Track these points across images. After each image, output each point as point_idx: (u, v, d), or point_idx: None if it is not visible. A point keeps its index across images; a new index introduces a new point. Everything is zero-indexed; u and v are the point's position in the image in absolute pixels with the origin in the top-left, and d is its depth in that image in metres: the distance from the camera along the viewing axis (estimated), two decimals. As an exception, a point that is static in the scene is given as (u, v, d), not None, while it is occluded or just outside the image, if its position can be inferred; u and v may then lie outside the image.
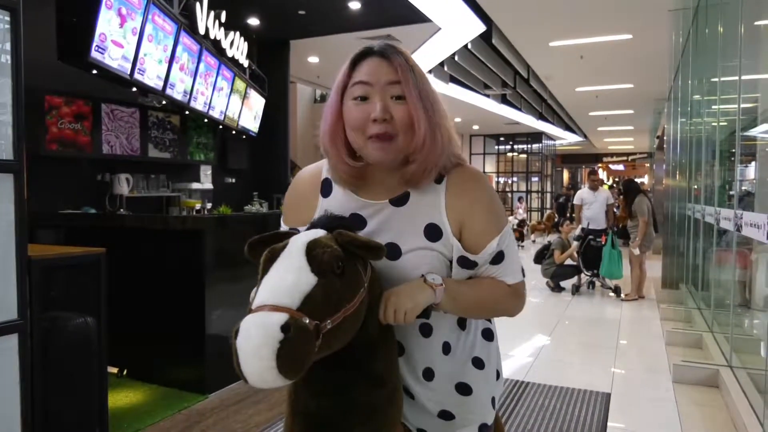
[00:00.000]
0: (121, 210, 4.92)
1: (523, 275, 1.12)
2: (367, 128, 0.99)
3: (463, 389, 1.11)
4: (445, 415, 1.11)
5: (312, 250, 0.86)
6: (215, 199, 6.48)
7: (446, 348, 1.11)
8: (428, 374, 1.09)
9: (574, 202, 7.48)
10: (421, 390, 1.09)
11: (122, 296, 3.40)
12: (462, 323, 1.13)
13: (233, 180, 7.16)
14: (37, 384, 2.34)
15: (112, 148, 5.03)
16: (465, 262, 1.06)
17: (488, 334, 1.19)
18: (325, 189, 1.11)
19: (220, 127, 6.17)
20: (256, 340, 0.75)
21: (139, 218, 4.28)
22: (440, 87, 10.13)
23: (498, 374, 1.20)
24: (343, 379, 0.94)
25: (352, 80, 1.01)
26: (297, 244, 0.88)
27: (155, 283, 3.49)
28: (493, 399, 1.17)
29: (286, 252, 0.87)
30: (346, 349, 0.91)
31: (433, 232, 1.04)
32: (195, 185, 6.22)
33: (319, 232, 0.92)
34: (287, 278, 0.83)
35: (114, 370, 3.63)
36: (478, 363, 1.13)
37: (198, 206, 5.93)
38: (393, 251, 1.03)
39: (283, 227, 1.16)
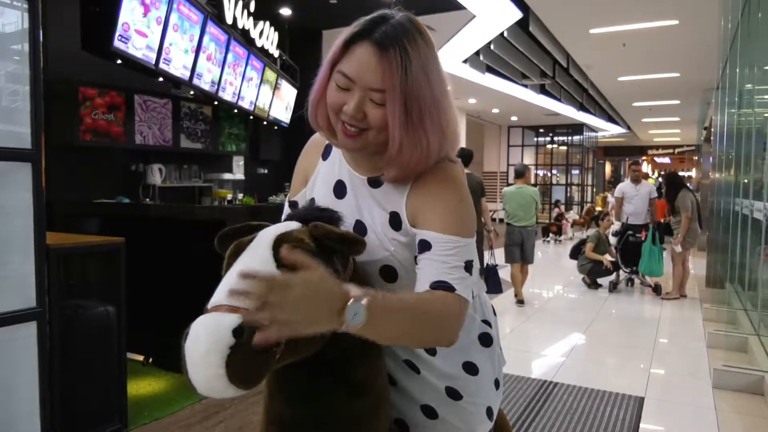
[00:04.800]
0: (147, 200, 4.98)
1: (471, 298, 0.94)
2: (340, 114, 0.93)
3: (453, 393, 1.04)
4: (428, 411, 1.04)
5: (280, 244, 0.78)
6: (247, 190, 6.51)
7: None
8: (413, 367, 1.03)
9: (615, 195, 7.18)
10: (406, 380, 1.03)
11: (150, 284, 3.44)
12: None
13: (265, 171, 7.19)
14: (57, 371, 2.37)
15: (145, 138, 5.08)
16: (422, 246, 0.92)
17: (485, 339, 1.10)
18: (326, 152, 1.09)
19: (251, 117, 6.18)
20: (205, 345, 0.68)
21: (167, 208, 4.32)
22: (476, 77, 9.92)
23: (497, 383, 1.11)
24: (320, 387, 0.87)
25: (339, 65, 0.92)
26: (265, 238, 0.80)
27: (182, 273, 3.51)
28: (489, 409, 1.08)
29: (252, 246, 0.80)
30: (321, 353, 0.83)
31: (395, 222, 0.98)
32: (227, 176, 6.26)
33: (292, 225, 0.84)
34: None
35: (140, 357, 3.68)
36: (471, 368, 1.05)
37: (229, 196, 5.97)
38: (361, 229, 1.00)
39: (285, 207, 1.12)
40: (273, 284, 0.65)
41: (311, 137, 1.15)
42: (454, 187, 0.97)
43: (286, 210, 1.12)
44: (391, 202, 0.99)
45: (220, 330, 0.68)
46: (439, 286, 0.88)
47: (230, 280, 0.77)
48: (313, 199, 1.08)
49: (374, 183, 1.01)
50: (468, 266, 0.92)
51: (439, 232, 0.92)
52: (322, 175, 1.07)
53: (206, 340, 0.68)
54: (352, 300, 0.71)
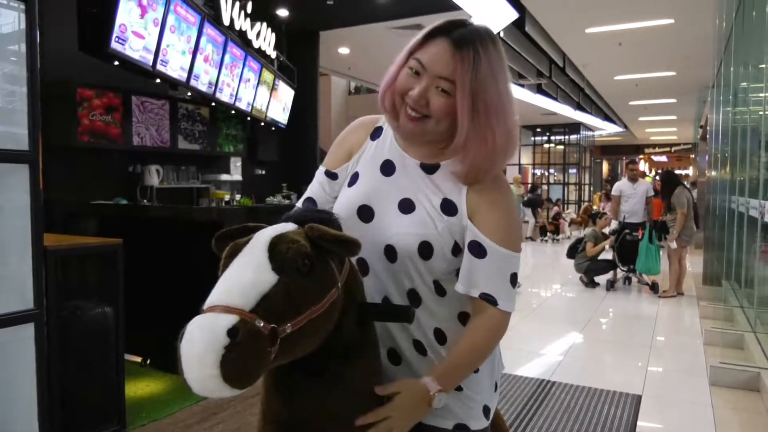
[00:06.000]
0: (145, 201, 4.97)
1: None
2: (406, 97, 1.00)
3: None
4: None
5: (276, 246, 0.79)
6: (245, 191, 6.51)
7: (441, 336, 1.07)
8: (421, 348, 1.06)
9: (612, 193, 7.21)
10: (412, 358, 1.06)
11: (148, 285, 3.44)
12: (463, 319, 1.07)
13: (263, 171, 7.18)
14: (55, 373, 2.37)
15: (143, 139, 5.07)
16: (477, 250, 0.99)
17: None
18: (375, 133, 1.14)
19: (249, 118, 6.18)
20: (200, 344, 0.68)
21: (165, 209, 4.32)
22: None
23: (495, 386, 1.13)
24: (317, 387, 0.87)
25: (416, 53, 1.00)
26: (260, 239, 0.81)
27: (180, 274, 3.51)
28: (486, 407, 1.09)
29: (248, 247, 0.81)
30: (318, 354, 0.84)
31: (448, 207, 1.02)
32: (224, 177, 6.25)
33: (289, 226, 0.85)
34: (244, 276, 0.76)
35: (138, 359, 3.68)
36: None
37: (227, 197, 5.95)
38: (407, 206, 1.03)
39: (319, 174, 1.15)
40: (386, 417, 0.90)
41: (358, 119, 1.19)
42: (507, 196, 1.05)
43: (317, 178, 1.16)
44: (446, 190, 1.03)
45: (214, 330, 0.69)
46: (487, 298, 0.99)
47: (227, 281, 0.77)
48: (312, 199, 1.13)
49: (428, 169, 1.05)
50: (513, 279, 1.01)
51: (497, 243, 0.99)
52: (369, 153, 1.11)
53: (201, 341, 0.68)
54: (435, 396, 0.93)
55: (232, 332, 0.68)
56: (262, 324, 0.71)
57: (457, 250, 1.02)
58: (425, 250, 1.00)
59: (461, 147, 0.98)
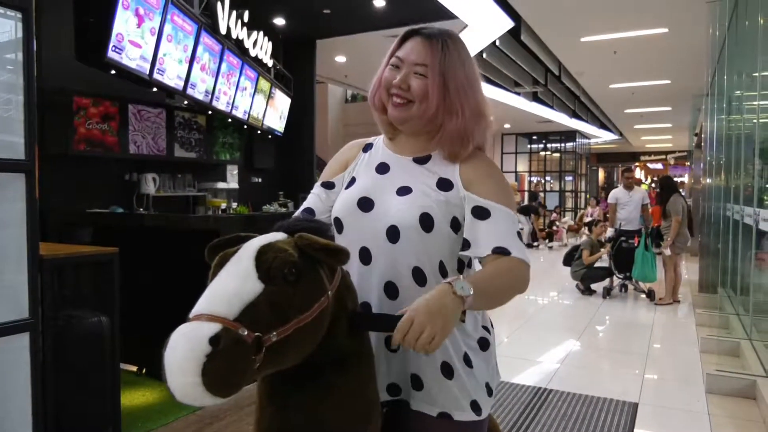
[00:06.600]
0: (141, 209, 4.96)
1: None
2: (390, 89, 1.13)
3: (447, 370, 1.06)
4: (415, 381, 1.07)
5: (262, 255, 0.80)
6: (241, 199, 6.51)
7: None
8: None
9: (608, 201, 7.24)
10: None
11: (144, 294, 3.43)
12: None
13: (259, 179, 7.19)
14: (50, 382, 2.36)
15: (139, 148, 5.08)
16: (480, 212, 1.06)
17: (484, 344, 1.13)
18: (367, 147, 1.26)
19: (245, 126, 6.19)
20: (181, 353, 0.69)
21: (161, 217, 4.32)
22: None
23: (489, 389, 1.12)
24: (311, 395, 0.87)
25: (395, 53, 1.14)
26: (249, 249, 0.81)
27: (176, 282, 3.49)
28: (474, 402, 1.08)
29: (236, 257, 0.81)
30: (311, 361, 0.84)
31: (444, 184, 1.11)
32: (221, 185, 6.25)
33: (278, 236, 0.85)
34: (229, 285, 0.77)
35: (134, 368, 3.66)
36: (467, 361, 1.08)
37: (223, 205, 5.96)
38: (405, 190, 1.11)
39: (315, 187, 1.22)
40: (415, 317, 0.85)
41: (350, 142, 1.31)
42: (496, 167, 1.16)
43: (314, 191, 1.23)
44: (440, 171, 1.13)
45: (197, 338, 0.69)
46: (500, 251, 1.04)
47: (213, 290, 0.78)
48: (309, 209, 1.17)
49: (421, 160, 1.16)
50: (519, 235, 1.09)
51: (497, 203, 1.07)
52: (363, 162, 1.22)
53: (183, 349, 0.69)
54: (451, 282, 0.91)
55: (214, 340, 0.69)
56: (245, 332, 0.72)
57: (456, 226, 1.08)
58: (426, 222, 1.06)
59: (432, 117, 1.10)
